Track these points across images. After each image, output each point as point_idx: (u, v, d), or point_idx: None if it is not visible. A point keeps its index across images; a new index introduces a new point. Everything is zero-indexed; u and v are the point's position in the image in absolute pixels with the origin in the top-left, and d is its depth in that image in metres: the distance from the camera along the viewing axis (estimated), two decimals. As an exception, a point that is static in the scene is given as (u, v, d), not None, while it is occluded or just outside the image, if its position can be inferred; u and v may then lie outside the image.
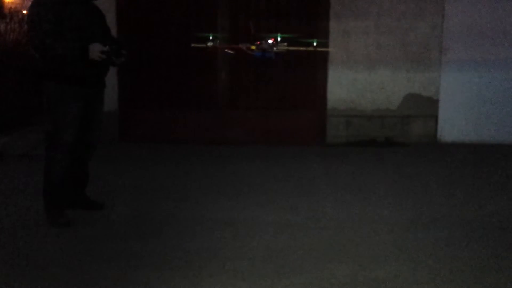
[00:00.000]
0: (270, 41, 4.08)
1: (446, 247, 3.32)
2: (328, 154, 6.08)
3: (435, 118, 6.56)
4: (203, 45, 4.20)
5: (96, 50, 3.43)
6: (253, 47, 4.13)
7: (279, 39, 4.14)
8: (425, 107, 6.54)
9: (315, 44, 4.40)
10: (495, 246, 3.34)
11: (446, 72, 6.45)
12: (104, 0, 3.87)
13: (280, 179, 4.96)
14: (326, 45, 6.37)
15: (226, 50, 4.77)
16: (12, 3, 7.75)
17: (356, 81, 6.51)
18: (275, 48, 4.09)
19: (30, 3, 3.57)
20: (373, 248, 3.29)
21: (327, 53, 6.43)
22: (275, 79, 6.51)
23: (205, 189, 4.57)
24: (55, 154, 3.60)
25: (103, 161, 4.89)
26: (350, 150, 6.28)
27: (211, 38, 4.18)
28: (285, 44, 4.23)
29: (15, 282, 2.81)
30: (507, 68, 6.43)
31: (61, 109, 3.54)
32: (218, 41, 4.32)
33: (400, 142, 6.49)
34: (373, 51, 6.44)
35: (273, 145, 6.34)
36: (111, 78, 5.00)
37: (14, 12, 7.52)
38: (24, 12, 7.33)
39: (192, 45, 4.25)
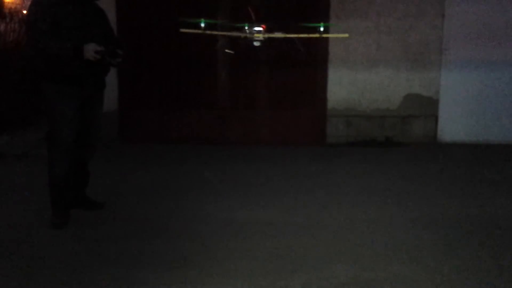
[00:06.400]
0: (259, 28, 3.95)
1: (446, 247, 3.32)
2: (328, 154, 6.08)
3: (435, 118, 6.56)
4: (192, 31, 4.04)
5: (90, 50, 3.43)
6: (245, 35, 3.99)
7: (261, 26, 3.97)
8: (425, 107, 6.54)
9: (322, 29, 4.10)
10: (495, 246, 3.34)
11: (446, 72, 6.45)
12: (104, 0, 3.85)
13: (280, 179, 4.96)
14: (326, 44, 6.38)
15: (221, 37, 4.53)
16: (12, 3, 7.74)
17: (356, 81, 6.51)
18: (264, 35, 3.96)
19: (29, 3, 3.58)
20: (373, 248, 3.29)
21: (327, 53, 6.43)
22: (275, 79, 6.52)
23: (205, 189, 4.57)
24: (54, 155, 3.60)
25: (103, 161, 4.90)
26: (350, 150, 6.28)
27: (202, 24, 4.04)
28: (281, 32, 4.11)
29: (15, 282, 2.81)
30: (507, 68, 6.43)
31: (57, 109, 3.53)
32: (208, 26, 4.07)
33: (400, 142, 6.49)
34: (373, 51, 6.44)
35: (273, 145, 6.34)
36: (111, 78, 5.01)
37: (14, 12, 7.51)
38: (24, 12, 7.33)
39: (181, 30, 4.08)
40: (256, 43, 4.02)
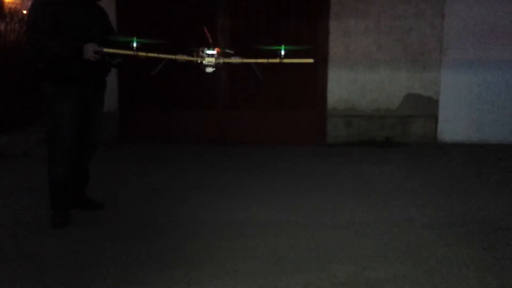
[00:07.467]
0: (212, 52, 3.44)
1: (446, 247, 3.32)
2: (328, 154, 6.08)
3: (435, 118, 6.56)
4: (117, 51, 3.39)
5: (90, 50, 3.43)
6: (194, 59, 3.54)
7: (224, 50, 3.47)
8: (425, 107, 6.54)
9: (283, 53, 3.56)
10: (494, 246, 3.34)
11: (446, 72, 6.46)
12: (104, 0, 3.85)
13: (280, 179, 4.95)
14: (326, 44, 6.37)
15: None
16: (12, 3, 7.75)
17: (356, 81, 6.51)
18: (217, 60, 3.46)
19: (30, 3, 3.58)
20: (373, 248, 3.29)
21: (327, 53, 6.43)
22: (275, 79, 6.51)
23: (205, 189, 4.57)
24: (55, 155, 3.60)
25: (103, 161, 4.90)
26: (350, 150, 6.28)
27: (135, 44, 3.45)
28: (237, 56, 3.66)
29: (15, 282, 2.81)
30: (507, 68, 6.44)
31: (57, 109, 3.54)
32: (141, 48, 3.48)
33: (400, 142, 6.49)
34: (373, 51, 6.44)
35: (273, 145, 6.34)
36: (111, 78, 4.99)
37: (14, 12, 7.52)
38: (24, 12, 7.34)
39: (104, 50, 3.35)
40: (208, 70, 3.53)
